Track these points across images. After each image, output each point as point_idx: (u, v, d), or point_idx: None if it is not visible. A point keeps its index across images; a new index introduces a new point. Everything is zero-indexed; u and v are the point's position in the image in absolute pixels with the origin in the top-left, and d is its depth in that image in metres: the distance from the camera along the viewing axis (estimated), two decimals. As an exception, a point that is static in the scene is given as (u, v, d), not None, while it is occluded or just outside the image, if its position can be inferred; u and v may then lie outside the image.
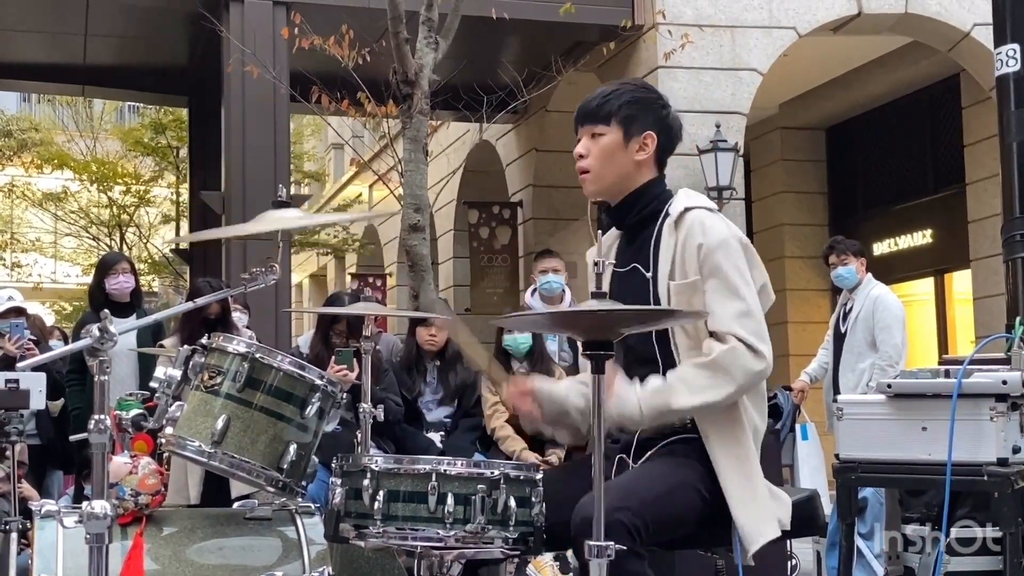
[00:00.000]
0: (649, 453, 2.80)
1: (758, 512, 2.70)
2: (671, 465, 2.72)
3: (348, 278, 19.04)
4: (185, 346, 3.17)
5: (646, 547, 2.53)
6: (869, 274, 6.98)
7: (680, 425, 2.78)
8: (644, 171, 2.89)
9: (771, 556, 5.39)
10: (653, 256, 2.83)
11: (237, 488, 4.46)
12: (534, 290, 6.95)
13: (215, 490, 4.90)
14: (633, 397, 2.68)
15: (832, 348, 7.07)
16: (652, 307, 2.73)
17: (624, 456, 2.83)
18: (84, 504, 2.50)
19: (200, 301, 3.51)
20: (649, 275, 2.82)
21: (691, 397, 2.66)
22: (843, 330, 6.93)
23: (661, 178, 2.93)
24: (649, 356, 2.81)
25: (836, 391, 6.84)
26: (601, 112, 2.89)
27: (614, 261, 2.94)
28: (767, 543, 2.68)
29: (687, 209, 2.81)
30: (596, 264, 2.43)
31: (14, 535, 4.00)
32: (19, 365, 4.54)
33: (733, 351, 2.67)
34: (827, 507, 5.37)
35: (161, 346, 5.69)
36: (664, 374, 2.78)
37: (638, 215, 2.89)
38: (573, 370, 6.26)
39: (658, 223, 2.85)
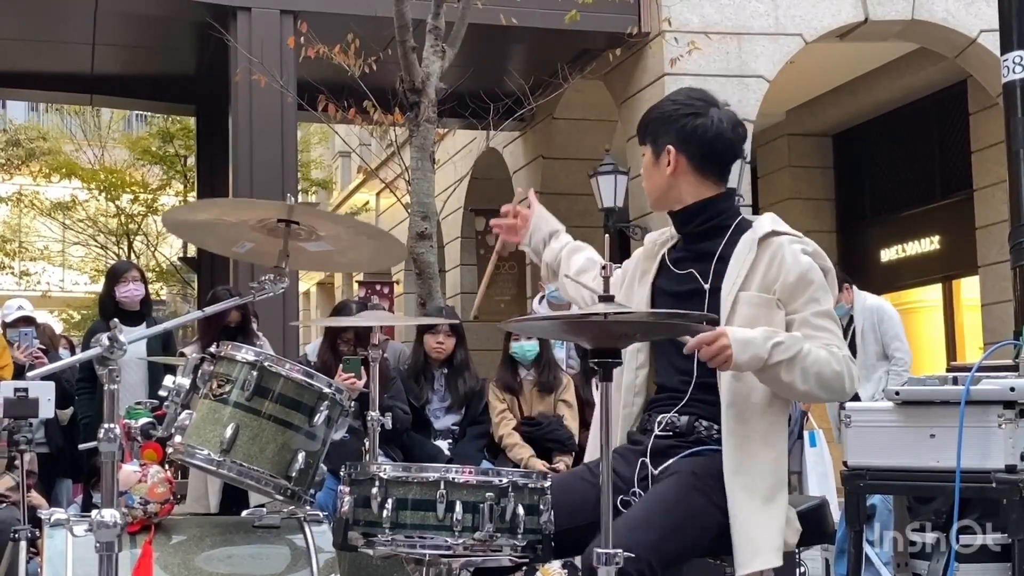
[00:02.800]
0: (670, 462, 2.77)
1: (762, 536, 2.65)
2: (687, 490, 2.68)
3: (355, 286, 19.06)
4: (195, 355, 3.18)
5: None
6: (854, 288, 7.27)
7: (706, 435, 2.76)
8: (688, 185, 2.86)
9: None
10: (715, 270, 2.81)
11: (256, 497, 4.47)
12: (542, 297, 6.95)
13: (234, 499, 4.89)
14: (759, 338, 2.64)
15: None
16: (661, 310, 2.71)
17: (645, 460, 2.81)
18: (94, 512, 2.51)
19: (209, 310, 3.51)
20: (707, 286, 2.81)
21: (809, 370, 2.67)
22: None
23: (726, 195, 2.91)
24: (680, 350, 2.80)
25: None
26: (640, 131, 2.94)
27: (667, 258, 2.95)
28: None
29: (775, 233, 2.83)
30: (603, 268, 2.43)
31: (23, 543, 4.02)
32: (28, 374, 4.57)
33: (849, 362, 2.74)
34: (835, 514, 5.37)
35: (182, 354, 5.70)
36: (695, 378, 2.80)
37: (699, 227, 2.88)
38: (581, 377, 6.26)
39: (725, 238, 2.83)
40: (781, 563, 2.66)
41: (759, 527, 2.65)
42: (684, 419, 2.80)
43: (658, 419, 2.83)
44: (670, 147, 2.84)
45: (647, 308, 2.84)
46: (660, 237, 3.02)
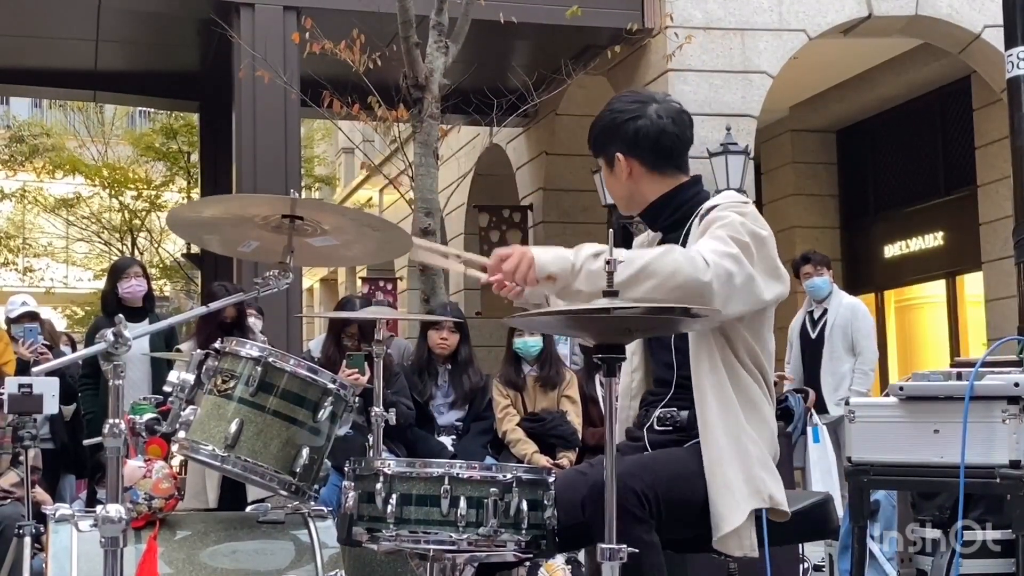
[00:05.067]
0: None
1: (734, 478, 2.65)
2: (689, 455, 2.72)
3: (359, 282, 19.07)
4: (199, 350, 3.18)
5: (654, 519, 2.55)
6: (834, 284, 7.68)
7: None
8: (648, 185, 2.87)
9: (782, 559, 5.39)
10: None
11: (254, 492, 4.47)
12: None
13: (233, 494, 4.91)
14: (566, 252, 2.62)
15: (798, 353, 7.61)
16: (664, 306, 2.71)
17: None
18: (98, 508, 2.52)
19: (213, 305, 3.52)
20: None
21: (628, 268, 2.55)
22: (812, 336, 7.50)
23: (691, 182, 2.90)
24: (664, 345, 2.83)
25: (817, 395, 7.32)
26: (590, 145, 2.98)
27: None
28: (738, 527, 2.63)
29: (715, 206, 2.78)
30: (608, 263, 2.44)
31: (28, 539, 4.02)
32: (33, 370, 4.57)
33: (715, 258, 2.57)
34: (839, 510, 5.36)
35: (178, 350, 5.71)
36: (676, 370, 2.81)
37: (667, 220, 2.89)
38: (584, 373, 6.26)
39: (688, 225, 2.83)
40: (743, 520, 2.63)
41: (727, 484, 2.66)
42: (684, 414, 2.81)
43: (656, 414, 2.85)
44: (619, 155, 2.87)
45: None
46: (647, 238, 3.03)
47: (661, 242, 2.91)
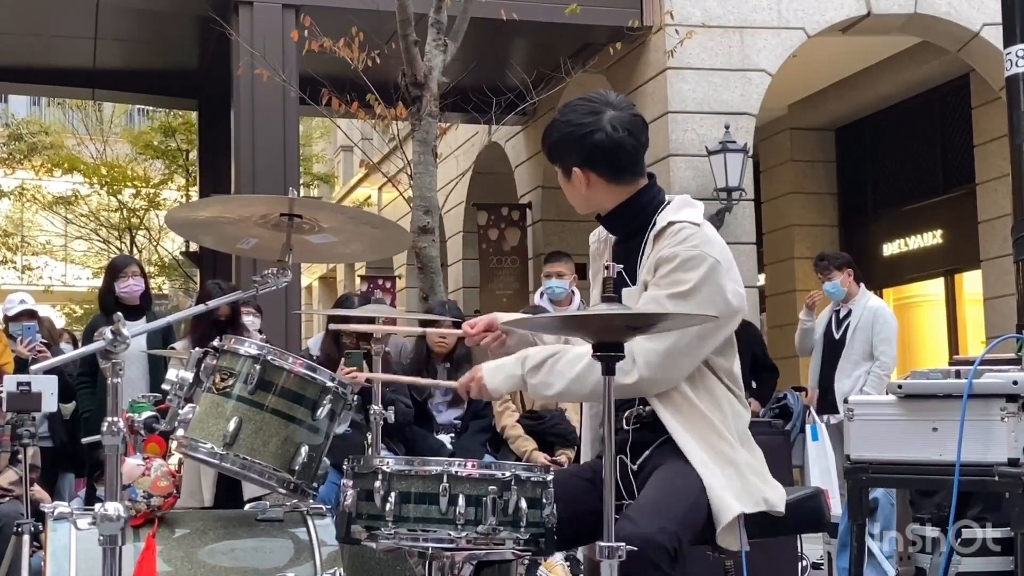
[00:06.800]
0: (647, 453, 2.82)
1: (730, 481, 2.68)
2: (684, 472, 2.71)
3: (358, 280, 19.07)
4: (197, 348, 3.18)
5: (680, 563, 2.54)
6: (862, 285, 7.44)
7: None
8: (605, 194, 2.87)
9: (781, 556, 5.40)
10: (637, 273, 2.84)
11: (250, 490, 4.47)
12: (543, 292, 6.95)
13: (228, 492, 4.91)
14: (509, 360, 2.86)
15: (820, 351, 7.46)
16: (662, 312, 2.72)
17: (623, 456, 2.85)
18: (97, 506, 2.51)
19: (212, 303, 3.51)
20: (633, 289, 2.84)
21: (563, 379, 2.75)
22: (836, 336, 7.35)
23: (647, 188, 2.88)
24: None
25: (828, 395, 7.24)
26: (544, 151, 2.94)
27: (610, 261, 2.94)
28: (739, 519, 2.66)
29: (670, 223, 2.78)
30: (607, 268, 2.43)
31: (27, 537, 4.03)
32: (32, 368, 4.56)
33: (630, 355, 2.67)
34: (839, 508, 5.37)
35: (172, 349, 5.70)
36: None
37: (626, 228, 2.90)
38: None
39: (646, 236, 2.84)
40: (741, 510, 2.66)
41: (721, 486, 2.68)
42: (648, 409, 2.82)
43: (625, 414, 2.86)
44: (576, 168, 2.84)
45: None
46: (601, 234, 3.04)
47: (618, 248, 2.92)
